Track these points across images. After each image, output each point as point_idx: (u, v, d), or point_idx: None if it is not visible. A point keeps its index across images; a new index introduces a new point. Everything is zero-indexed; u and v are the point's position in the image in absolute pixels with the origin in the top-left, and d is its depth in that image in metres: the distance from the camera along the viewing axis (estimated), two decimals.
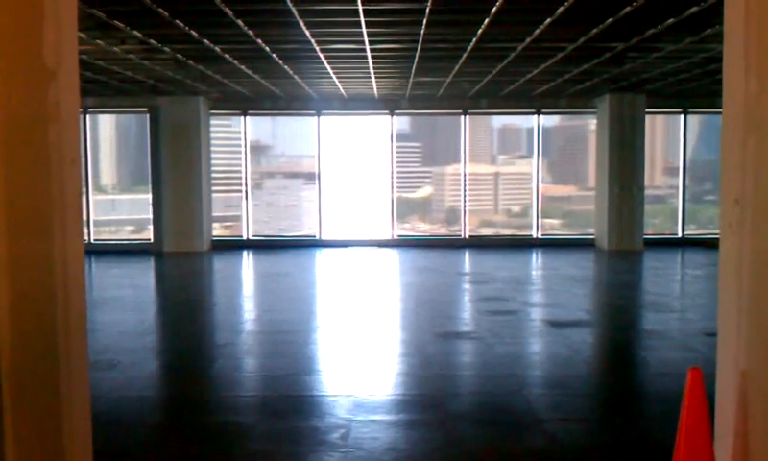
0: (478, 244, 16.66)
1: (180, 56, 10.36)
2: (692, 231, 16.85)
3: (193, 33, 8.73)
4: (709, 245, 15.05)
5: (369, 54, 10.32)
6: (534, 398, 5.79)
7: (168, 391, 6.42)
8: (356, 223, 17.33)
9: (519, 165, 18.19)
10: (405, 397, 5.85)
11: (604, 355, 7.67)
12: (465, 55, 10.30)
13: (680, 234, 16.80)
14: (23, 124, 3.05)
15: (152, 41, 9.26)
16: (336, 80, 13.00)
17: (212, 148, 16.48)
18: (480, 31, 8.67)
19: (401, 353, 7.28)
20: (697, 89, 14.38)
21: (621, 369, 6.99)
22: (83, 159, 15.81)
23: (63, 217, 3.17)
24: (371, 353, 7.21)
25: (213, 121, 16.53)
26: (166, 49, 9.80)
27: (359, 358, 7.01)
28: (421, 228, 17.88)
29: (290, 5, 7.40)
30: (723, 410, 3.19)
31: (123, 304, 10.03)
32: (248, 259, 15.30)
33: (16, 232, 2.99)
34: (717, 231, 3.30)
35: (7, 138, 2.95)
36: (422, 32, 8.75)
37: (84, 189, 15.85)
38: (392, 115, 16.68)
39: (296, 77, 12.53)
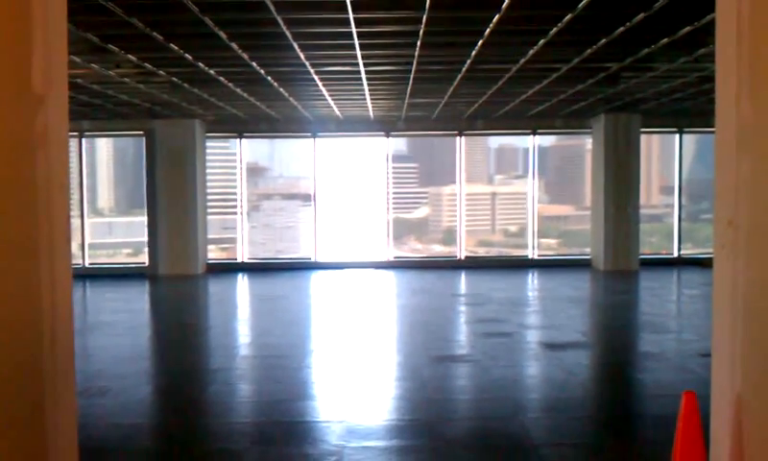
0: (474, 265, 16.62)
1: (175, 79, 10.37)
2: (689, 251, 16.82)
3: (187, 56, 8.74)
4: (706, 264, 15.03)
5: (364, 76, 10.33)
6: (530, 422, 5.73)
7: (160, 418, 6.35)
8: (352, 244, 17.28)
9: (516, 185, 18.20)
10: (399, 422, 5.79)
11: (600, 378, 7.62)
12: (459, 76, 10.32)
13: (676, 254, 16.77)
14: (10, 149, 3.02)
15: (146, 65, 9.27)
16: (331, 102, 13.01)
17: (208, 170, 16.47)
18: (474, 52, 8.69)
19: (396, 377, 7.22)
20: (692, 108, 14.41)
21: (617, 391, 6.93)
22: (79, 182, 15.79)
23: (51, 240, 3.14)
24: (365, 377, 7.15)
25: (209, 143, 16.54)
26: (161, 72, 9.81)
27: (353, 383, 6.95)
28: (418, 248, 17.85)
29: (284, 28, 7.40)
30: (718, 433, 3.14)
31: (117, 329, 9.96)
32: (243, 282, 15.23)
33: (1, 254, 2.97)
34: (713, 251, 3.26)
35: None
36: (417, 54, 8.77)
37: (79, 212, 15.82)
38: (387, 136, 16.70)
39: (291, 99, 12.55)
